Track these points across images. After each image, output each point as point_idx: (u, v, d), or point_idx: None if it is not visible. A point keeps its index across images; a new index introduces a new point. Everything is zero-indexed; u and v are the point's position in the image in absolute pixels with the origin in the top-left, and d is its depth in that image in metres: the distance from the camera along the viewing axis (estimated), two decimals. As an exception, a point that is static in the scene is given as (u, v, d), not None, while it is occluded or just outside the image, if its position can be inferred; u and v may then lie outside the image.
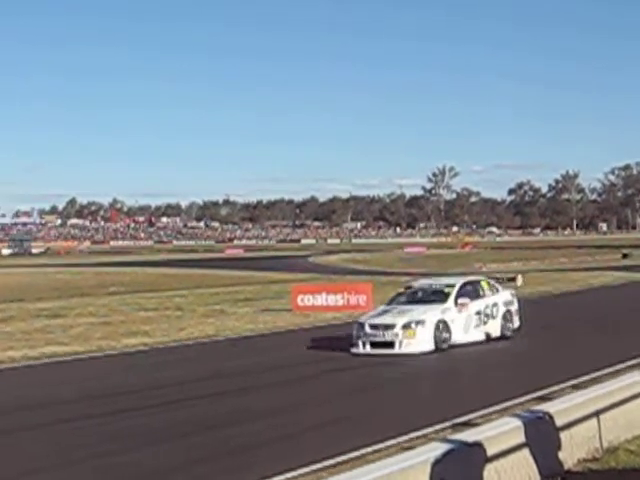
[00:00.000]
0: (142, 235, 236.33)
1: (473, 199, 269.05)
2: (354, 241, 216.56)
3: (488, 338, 22.97)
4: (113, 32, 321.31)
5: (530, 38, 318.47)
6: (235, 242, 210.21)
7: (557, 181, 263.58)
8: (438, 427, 12.47)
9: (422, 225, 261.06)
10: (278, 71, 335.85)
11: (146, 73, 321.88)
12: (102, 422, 14.05)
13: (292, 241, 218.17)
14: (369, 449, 11.30)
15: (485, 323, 23.07)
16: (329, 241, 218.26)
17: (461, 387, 17.54)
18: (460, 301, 22.35)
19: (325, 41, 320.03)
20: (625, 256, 79.99)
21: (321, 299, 33.64)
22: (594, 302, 36.62)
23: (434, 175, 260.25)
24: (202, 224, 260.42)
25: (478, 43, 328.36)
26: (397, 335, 21.05)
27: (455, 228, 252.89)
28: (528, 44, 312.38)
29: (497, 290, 24.41)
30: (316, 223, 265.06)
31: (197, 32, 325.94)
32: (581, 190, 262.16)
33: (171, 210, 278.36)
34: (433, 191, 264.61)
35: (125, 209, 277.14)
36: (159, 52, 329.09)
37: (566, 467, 10.11)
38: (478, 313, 22.86)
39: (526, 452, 9.50)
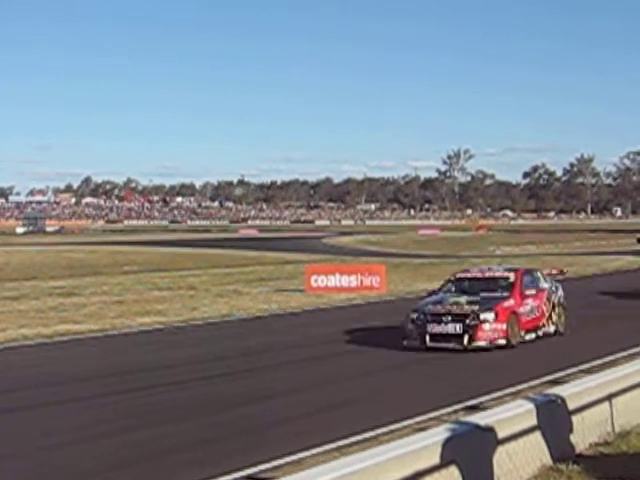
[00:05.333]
0: (156, 214, 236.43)
1: (488, 182, 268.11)
2: (368, 223, 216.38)
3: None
4: (128, 12, 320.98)
5: (545, 22, 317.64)
6: (249, 222, 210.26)
7: (572, 165, 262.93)
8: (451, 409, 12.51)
9: (435, 207, 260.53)
10: (295, 51, 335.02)
11: (162, 53, 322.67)
12: (118, 400, 14.12)
13: (306, 222, 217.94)
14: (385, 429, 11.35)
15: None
16: (343, 222, 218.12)
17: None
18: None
19: (342, 23, 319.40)
20: (640, 241, 79.69)
21: (334, 280, 33.66)
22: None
23: (449, 157, 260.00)
24: (216, 204, 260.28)
25: (493, 28, 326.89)
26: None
27: (469, 211, 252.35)
28: (543, 28, 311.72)
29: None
30: (330, 204, 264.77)
31: (215, 13, 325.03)
32: (596, 174, 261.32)
33: (185, 190, 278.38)
34: (448, 173, 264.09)
35: (139, 188, 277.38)
36: (174, 32, 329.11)
37: (577, 451, 10.12)
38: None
39: (538, 435, 9.51)
